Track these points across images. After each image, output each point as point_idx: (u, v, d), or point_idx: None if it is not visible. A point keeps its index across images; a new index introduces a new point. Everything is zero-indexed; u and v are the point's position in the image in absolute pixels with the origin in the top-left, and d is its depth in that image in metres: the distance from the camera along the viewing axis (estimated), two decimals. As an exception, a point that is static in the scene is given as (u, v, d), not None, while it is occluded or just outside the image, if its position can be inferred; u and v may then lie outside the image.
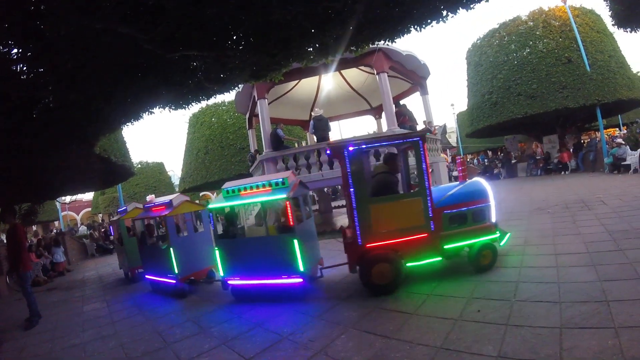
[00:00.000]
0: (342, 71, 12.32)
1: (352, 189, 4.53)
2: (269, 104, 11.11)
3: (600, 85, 16.51)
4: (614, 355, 2.43)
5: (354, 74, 13.01)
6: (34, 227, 22.77)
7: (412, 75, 12.17)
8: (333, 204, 17.69)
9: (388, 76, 10.30)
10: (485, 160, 29.52)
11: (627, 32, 10.13)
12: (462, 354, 2.81)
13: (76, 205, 38.61)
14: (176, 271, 6.01)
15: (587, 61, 16.60)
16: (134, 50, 4.27)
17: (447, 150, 36.46)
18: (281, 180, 5.11)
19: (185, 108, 6.20)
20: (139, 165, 30.26)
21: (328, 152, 5.20)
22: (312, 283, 5.24)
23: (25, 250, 6.19)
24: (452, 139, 41.70)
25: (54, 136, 6.02)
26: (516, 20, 18.90)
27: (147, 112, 6.34)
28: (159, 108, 6.16)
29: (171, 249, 6.04)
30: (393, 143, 5.30)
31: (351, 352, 3.16)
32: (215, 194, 37.52)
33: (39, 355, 4.55)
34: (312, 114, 11.99)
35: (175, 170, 41.34)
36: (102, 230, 19.94)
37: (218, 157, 20.40)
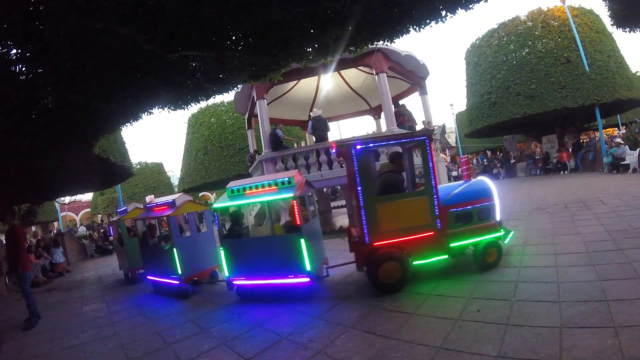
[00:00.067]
0: (341, 71, 12.32)
1: (359, 188, 4.55)
2: (268, 104, 11.11)
3: (599, 85, 16.53)
4: (614, 354, 2.43)
5: (353, 74, 13.00)
6: (33, 228, 22.71)
7: (411, 75, 12.17)
8: (332, 204, 17.69)
9: (387, 76, 10.30)
10: (485, 160, 29.53)
11: (625, 32, 10.15)
12: (462, 353, 2.81)
13: (75, 206, 38.57)
14: (179, 272, 5.97)
15: (586, 61, 16.62)
16: (133, 51, 4.27)
17: (447, 150, 36.52)
18: (287, 179, 5.07)
19: (184, 108, 6.20)
20: (138, 166, 30.24)
21: (334, 151, 5.22)
22: (318, 283, 5.22)
23: (25, 251, 6.18)
24: (451, 139, 41.73)
25: (53, 137, 6.01)
26: (515, 21, 18.92)
27: (146, 113, 6.34)
28: (158, 108, 6.15)
29: (174, 250, 6.00)
30: (400, 142, 5.36)
31: (351, 352, 3.16)
32: (214, 194, 37.56)
33: (38, 356, 4.53)
34: (311, 114, 11.99)
35: (174, 170, 41.31)
36: (102, 230, 19.91)
37: (217, 157, 20.40)
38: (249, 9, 3.82)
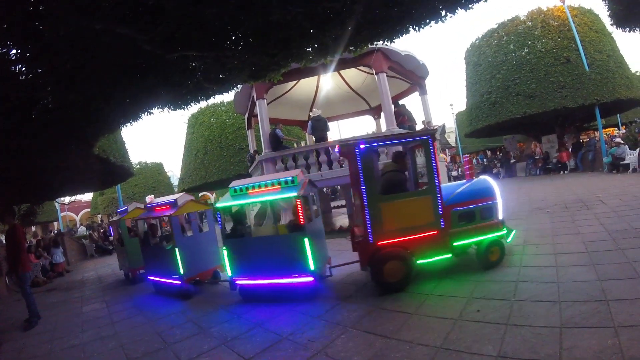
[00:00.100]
0: (341, 71, 12.32)
1: (363, 187, 4.55)
2: (268, 104, 11.11)
3: (599, 84, 16.53)
4: (614, 354, 2.43)
5: (353, 74, 13.00)
6: (33, 228, 22.71)
7: (411, 75, 12.17)
8: (332, 204, 17.69)
9: (387, 76, 10.30)
10: (485, 160, 29.54)
11: (625, 31, 10.16)
12: (462, 353, 2.81)
13: (75, 206, 38.57)
14: (181, 272, 5.94)
15: (585, 61, 16.62)
16: (133, 51, 4.27)
17: (446, 150, 36.51)
18: (290, 178, 5.05)
19: (184, 108, 6.19)
20: (138, 166, 30.25)
21: (337, 150, 5.22)
22: (321, 282, 5.20)
23: (25, 251, 6.18)
24: (451, 139, 41.73)
25: (53, 137, 6.01)
26: (515, 20, 18.91)
27: (146, 113, 6.33)
28: (158, 108, 6.15)
29: (176, 250, 5.97)
30: (404, 141, 5.38)
31: (351, 352, 3.16)
32: (214, 194, 37.55)
33: (38, 356, 4.54)
34: (311, 114, 11.99)
35: (174, 170, 41.31)
36: (102, 230, 19.91)
37: (217, 157, 20.40)
38: (248, 9, 3.82)
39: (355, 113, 16.34)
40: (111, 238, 16.44)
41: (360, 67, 11.56)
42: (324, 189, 15.38)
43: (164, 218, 6.45)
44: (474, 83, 21.05)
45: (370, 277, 4.66)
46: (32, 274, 9.17)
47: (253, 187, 5.17)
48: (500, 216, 5.09)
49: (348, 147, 4.83)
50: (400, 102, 12.01)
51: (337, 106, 15.17)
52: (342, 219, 12.60)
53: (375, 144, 4.89)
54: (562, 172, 18.07)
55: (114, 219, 10.87)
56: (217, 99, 18.39)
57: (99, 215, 36.31)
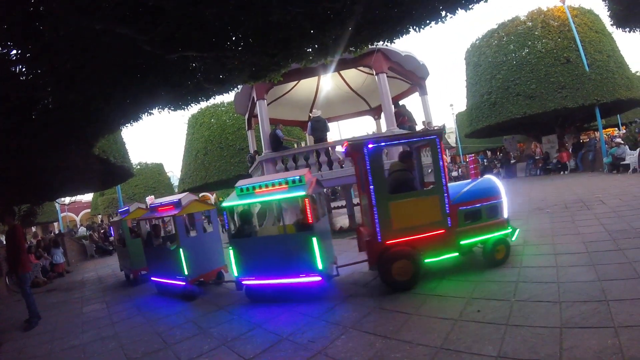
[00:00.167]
0: (341, 72, 12.30)
1: (372, 186, 4.57)
2: (268, 104, 11.10)
3: (599, 85, 16.52)
4: (614, 354, 2.43)
5: (353, 75, 13.00)
6: (33, 229, 22.71)
7: (411, 75, 12.17)
8: (332, 204, 17.69)
9: (387, 77, 10.29)
10: (485, 160, 29.53)
11: (625, 32, 10.16)
12: (462, 354, 2.81)
13: (75, 207, 38.56)
14: (186, 273, 5.88)
15: (585, 61, 16.62)
16: (133, 51, 4.27)
17: (447, 150, 36.52)
18: (298, 177, 5.02)
19: (184, 109, 6.19)
20: (138, 166, 30.25)
21: (344, 150, 5.23)
22: (329, 282, 5.17)
23: (25, 251, 6.18)
24: (451, 139, 41.77)
25: (53, 137, 6.01)
26: (515, 21, 18.91)
27: (146, 113, 6.33)
28: (158, 109, 6.15)
29: (181, 250, 5.90)
30: (411, 141, 5.41)
31: (351, 353, 3.16)
32: (214, 194, 37.54)
33: (38, 356, 4.54)
34: (311, 115, 11.99)
35: (174, 171, 41.36)
36: (102, 231, 19.91)
37: (217, 157, 20.37)
38: (248, 10, 3.82)
39: (356, 113, 16.34)
40: (111, 238, 16.46)
41: (361, 68, 11.55)
42: (324, 189, 15.36)
43: (166, 218, 6.40)
44: (474, 83, 21.05)
45: (379, 276, 4.67)
46: (32, 275, 9.17)
47: (260, 187, 5.13)
48: (505, 215, 5.14)
49: (356, 146, 4.85)
50: (401, 102, 11.99)
51: (337, 107, 15.17)
52: (342, 220, 12.61)
53: (383, 144, 4.91)
54: (562, 173, 18.06)
55: (115, 219, 10.86)
56: (218, 99, 18.43)
57: (99, 216, 36.32)
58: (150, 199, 21.13)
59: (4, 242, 7.98)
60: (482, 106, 19.85)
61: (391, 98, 10.49)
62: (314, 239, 4.76)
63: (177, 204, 6.25)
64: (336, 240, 8.37)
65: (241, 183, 5.34)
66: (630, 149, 13.98)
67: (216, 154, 20.44)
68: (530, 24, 18.28)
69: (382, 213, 4.57)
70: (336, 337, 3.52)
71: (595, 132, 25.73)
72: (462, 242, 4.73)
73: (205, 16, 3.84)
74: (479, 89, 20.24)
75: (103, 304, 6.89)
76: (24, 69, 4.52)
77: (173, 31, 3.87)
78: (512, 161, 23.22)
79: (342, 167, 9.80)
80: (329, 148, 10.01)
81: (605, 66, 16.99)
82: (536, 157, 21.17)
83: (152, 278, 6.99)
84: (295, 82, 12.27)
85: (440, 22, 4.68)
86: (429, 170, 7.20)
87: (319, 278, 4.77)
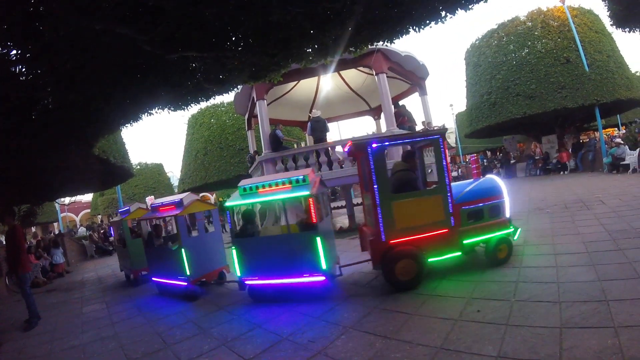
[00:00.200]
0: (341, 72, 12.31)
1: (376, 186, 4.57)
2: (268, 104, 11.10)
3: (598, 85, 16.53)
4: (614, 354, 2.43)
5: (353, 75, 13.00)
6: (33, 229, 22.70)
7: (411, 75, 12.17)
8: (332, 204, 17.69)
9: (387, 77, 10.30)
10: (485, 160, 29.54)
11: (625, 32, 10.16)
12: (462, 354, 2.81)
13: (75, 207, 38.57)
14: (188, 273, 5.84)
15: (585, 61, 16.63)
16: (133, 51, 4.28)
17: (447, 150, 36.46)
18: (302, 177, 5.00)
19: (184, 109, 6.19)
20: (138, 167, 30.26)
21: (347, 149, 5.23)
22: (332, 282, 5.14)
23: (25, 251, 6.17)
24: (451, 139, 41.75)
25: (53, 137, 6.02)
26: (515, 21, 18.93)
27: (146, 113, 6.33)
28: (158, 109, 6.15)
29: (183, 250, 5.87)
30: (414, 140, 5.42)
31: (351, 353, 3.16)
32: (214, 194, 37.56)
33: (38, 356, 4.53)
34: (310, 115, 11.98)
35: (174, 171, 41.34)
36: (102, 231, 19.91)
37: (217, 158, 20.38)
38: (248, 10, 3.82)
39: (355, 114, 16.34)
40: (111, 239, 16.44)
41: (360, 68, 11.55)
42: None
43: (166, 218, 6.37)
44: (473, 84, 21.06)
45: (383, 275, 4.67)
46: (32, 275, 9.17)
47: (263, 186, 5.11)
48: (508, 214, 5.16)
49: (360, 145, 4.86)
50: (400, 102, 12.00)
51: (337, 107, 15.17)
52: (342, 220, 12.61)
53: (387, 143, 4.92)
54: (562, 173, 18.06)
55: (115, 219, 10.85)
56: (217, 99, 18.48)
57: (99, 216, 36.31)
58: (150, 199, 21.13)
59: (4, 243, 7.97)
60: (482, 106, 19.86)
61: (391, 98, 10.49)
62: (318, 239, 4.75)
63: (179, 204, 6.23)
64: (336, 241, 8.37)
65: (244, 182, 5.32)
66: (630, 149, 13.98)
67: (216, 154, 20.44)
68: (530, 24, 18.30)
69: (385, 212, 4.58)
70: (336, 337, 3.52)
71: (595, 132, 25.74)
72: (465, 242, 4.75)
73: (205, 16, 3.84)
74: (479, 89, 20.25)
75: (103, 304, 6.89)
76: (23, 69, 4.52)
77: (173, 31, 3.87)
78: (512, 161, 23.24)
79: (341, 167, 9.80)
80: (329, 148, 10.01)
81: (605, 66, 17.00)
82: (536, 157, 21.18)
83: (153, 278, 6.94)
84: (295, 82, 12.27)
85: (440, 22, 4.69)
86: (429, 170, 7.22)
87: (322, 278, 4.75)
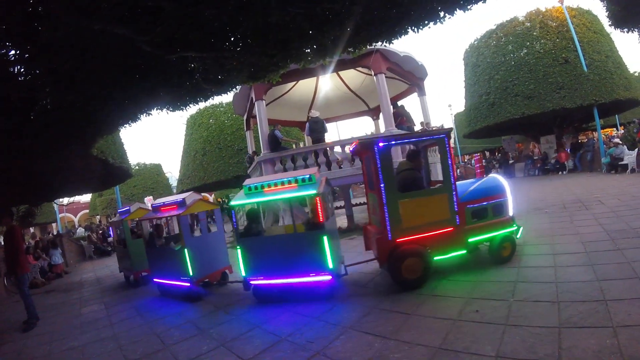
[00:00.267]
0: (339, 72, 12.33)
1: (382, 185, 4.59)
2: (266, 105, 11.10)
3: (597, 85, 16.58)
4: (613, 354, 2.44)
5: (352, 75, 13.01)
6: (32, 229, 22.68)
7: (410, 76, 12.19)
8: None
9: (385, 77, 10.30)
10: (483, 161, 29.56)
11: (623, 32, 10.19)
12: (460, 354, 2.81)
13: (74, 207, 38.56)
14: (191, 273, 5.78)
15: (584, 61, 16.67)
16: (132, 52, 4.27)
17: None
18: (308, 176, 4.96)
19: (183, 109, 6.18)
20: (137, 167, 30.22)
21: (352, 149, 5.25)
22: (338, 281, 5.11)
23: (23, 252, 6.17)
24: (450, 139, 41.78)
25: (53, 137, 6.00)
26: (513, 21, 18.96)
27: (144, 114, 6.32)
28: (156, 109, 6.13)
29: (185, 250, 5.81)
30: (420, 140, 5.48)
31: (350, 353, 3.16)
32: (212, 195, 37.53)
33: (37, 357, 4.53)
34: (309, 115, 11.98)
35: (172, 171, 41.27)
36: (100, 232, 19.88)
37: (216, 158, 20.36)
38: (247, 10, 3.83)
39: (354, 114, 16.36)
40: (110, 239, 16.42)
41: (359, 68, 11.56)
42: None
43: (167, 219, 6.32)
44: (472, 84, 21.09)
45: (389, 274, 4.68)
46: (31, 276, 9.17)
47: (269, 185, 5.07)
48: (511, 212, 5.20)
49: (366, 144, 4.88)
50: (399, 103, 12.01)
51: (336, 107, 15.18)
52: (341, 220, 12.60)
53: (393, 142, 4.94)
54: (560, 173, 18.09)
55: (115, 219, 10.82)
56: (216, 100, 18.43)
57: (98, 217, 36.26)
58: (148, 200, 21.10)
59: (2, 243, 7.96)
60: (481, 107, 19.89)
61: (390, 98, 10.51)
62: (325, 238, 4.73)
63: (181, 204, 6.17)
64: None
65: (249, 182, 5.29)
66: (629, 149, 14.03)
67: (215, 155, 20.42)
68: (529, 24, 18.34)
69: (392, 211, 4.60)
70: (335, 338, 3.52)
71: (594, 132, 25.78)
72: (470, 240, 4.79)
73: (204, 17, 3.84)
74: (478, 89, 20.28)
75: (102, 305, 6.88)
76: (22, 70, 4.51)
77: (172, 32, 3.86)
78: (511, 161, 23.27)
79: (340, 167, 9.80)
80: (327, 149, 10.01)
81: (604, 66, 17.05)
82: (535, 158, 21.20)
83: (155, 280, 6.85)
84: (294, 82, 12.28)
85: (438, 23, 4.69)
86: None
87: (329, 277, 4.72)
